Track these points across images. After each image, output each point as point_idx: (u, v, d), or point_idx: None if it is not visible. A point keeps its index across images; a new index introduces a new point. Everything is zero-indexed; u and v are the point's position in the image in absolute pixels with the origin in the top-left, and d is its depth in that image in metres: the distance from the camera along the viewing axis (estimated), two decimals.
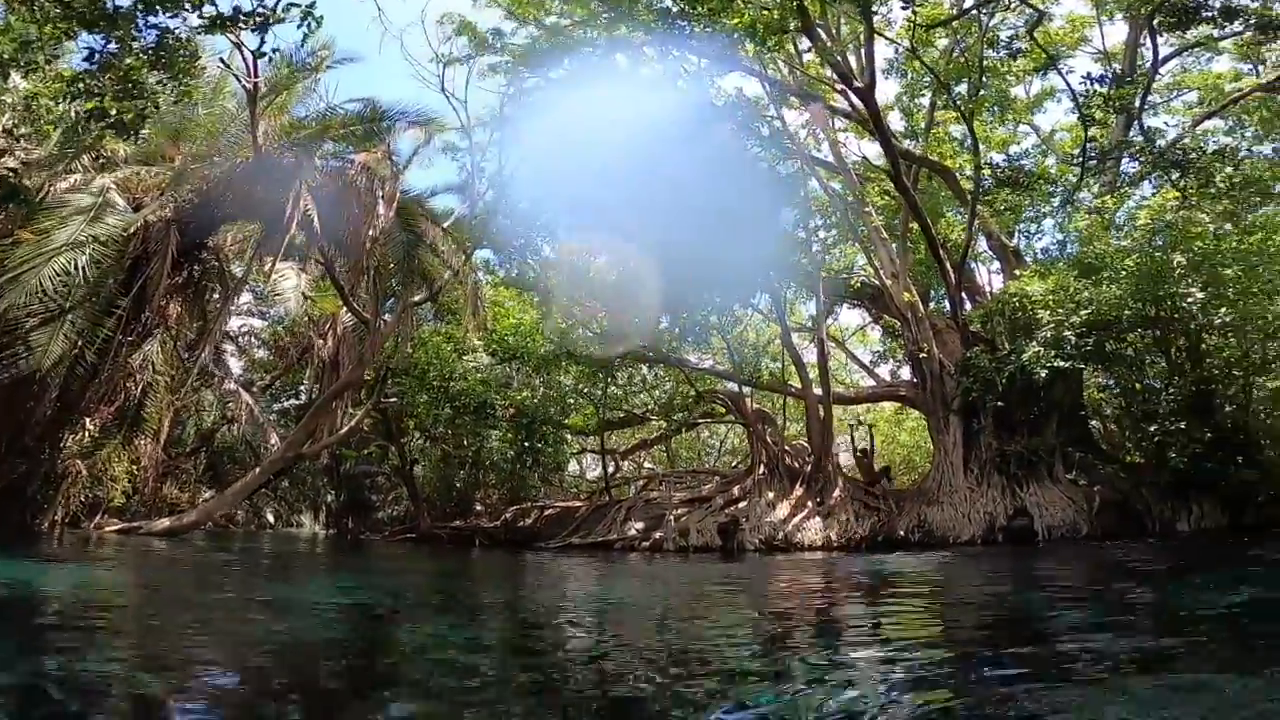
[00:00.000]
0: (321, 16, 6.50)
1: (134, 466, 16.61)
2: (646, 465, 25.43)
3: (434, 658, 4.81)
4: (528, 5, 16.38)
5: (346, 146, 15.49)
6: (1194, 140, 16.28)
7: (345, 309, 17.48)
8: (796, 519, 15.03)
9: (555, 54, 15.45)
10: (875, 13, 13.53)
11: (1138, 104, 14.52)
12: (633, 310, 17.13)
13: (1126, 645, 5.12)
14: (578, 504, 18.25)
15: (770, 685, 3.99)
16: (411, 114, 15.76)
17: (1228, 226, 13.87)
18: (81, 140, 12.21)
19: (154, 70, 6.57)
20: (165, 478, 19.48)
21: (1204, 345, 14.92)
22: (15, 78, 9.02)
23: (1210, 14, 12.33)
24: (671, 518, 15.42)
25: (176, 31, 6.50)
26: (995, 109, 18.14)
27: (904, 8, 12.96)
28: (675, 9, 12.32)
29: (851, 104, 15.67)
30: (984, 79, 15.48)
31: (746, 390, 18.58)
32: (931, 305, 18.50)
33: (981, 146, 16.09)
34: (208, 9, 6.18)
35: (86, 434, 14.64)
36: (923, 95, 17.78)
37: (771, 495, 15.77)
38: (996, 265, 19.36)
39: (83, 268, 11.83)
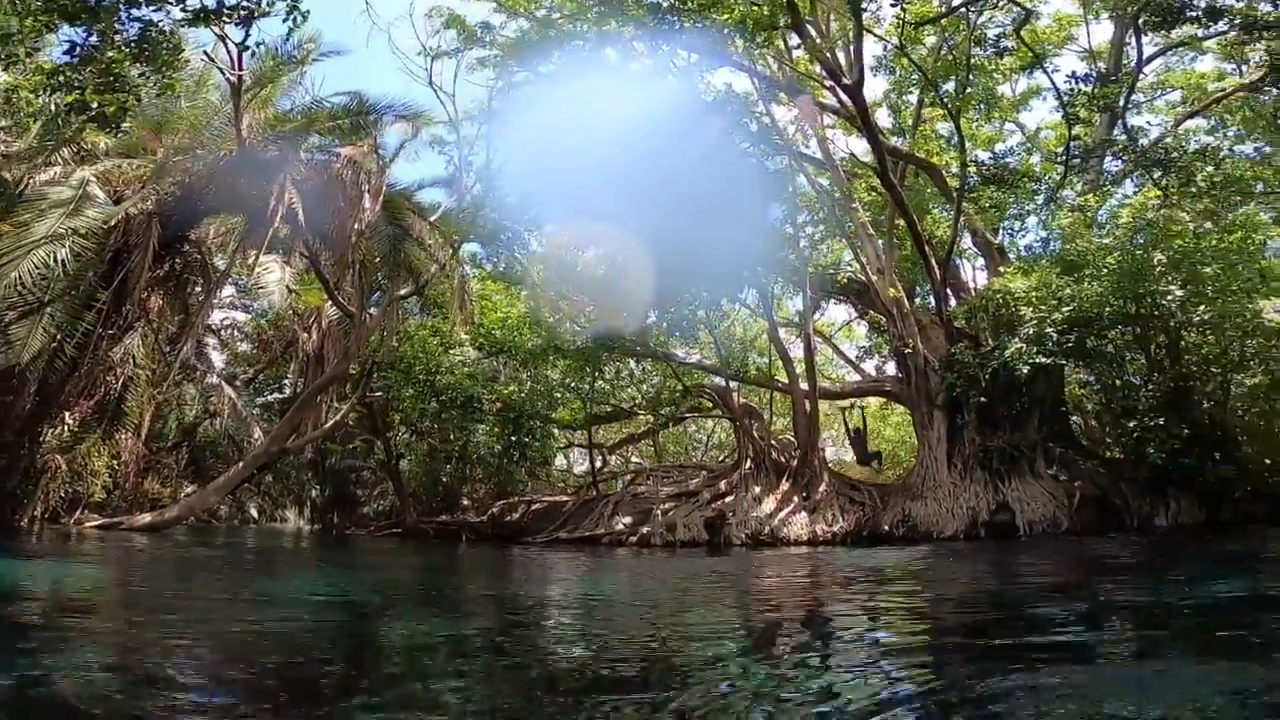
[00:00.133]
0: (307, 10, 6.46)
1: (115, 461, 16.44)
2: (634, 460, 25.51)
3: (419, 653, 4.82)
4: None
5: (332, 140, 15.33)
6: (1176, 139, 16.47)
7: (330, 303, 17.34)
8: (782, 514, 15.14)
9: (544, 48, 15.35)
10: (864, 10, 13.59)
11: (1122, 103, 14.65)
12: (620, 304, 17.13)
13: (1104, 637, 5.25)
14: (565, 499, 18.27)
15: (754, 675, 4.03)
16: (399, 108, 15.67)
17: (1208, 225, 14.07)
18: (62, 133, 12.06)
19: (136, 63, 6.47)
20: (146, 473, 19.31)
21: (1183, 342, 15.14)
22: None
23: (1195, 14, 12.42)
24: (658, 512, 15.48)
25: (160, 24, 6.41)
26: (982, 106, 18.22)
27: (893, 5, 13.02)
28: (665, 4, 12.29)
29: (840, 100, 15.69)
30: (971, 77, 15.56)
31: (733, 385, 18.65)
32: (917, 301, 18.63)
33: (967, 144, 16.19)
34: (191, 2, 6.10)
35: (66, 428, 14.47)
36: (910, 92, 17.86)
37: (758, 490, 15.88)
38: (981, 262, 19.53)
39: (62, 261, 11.66)
